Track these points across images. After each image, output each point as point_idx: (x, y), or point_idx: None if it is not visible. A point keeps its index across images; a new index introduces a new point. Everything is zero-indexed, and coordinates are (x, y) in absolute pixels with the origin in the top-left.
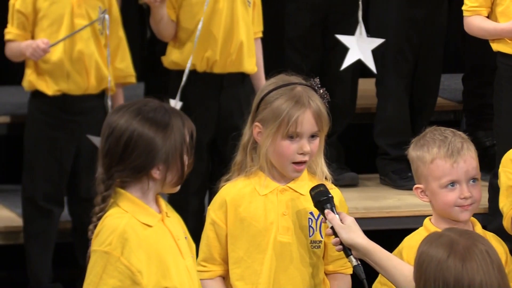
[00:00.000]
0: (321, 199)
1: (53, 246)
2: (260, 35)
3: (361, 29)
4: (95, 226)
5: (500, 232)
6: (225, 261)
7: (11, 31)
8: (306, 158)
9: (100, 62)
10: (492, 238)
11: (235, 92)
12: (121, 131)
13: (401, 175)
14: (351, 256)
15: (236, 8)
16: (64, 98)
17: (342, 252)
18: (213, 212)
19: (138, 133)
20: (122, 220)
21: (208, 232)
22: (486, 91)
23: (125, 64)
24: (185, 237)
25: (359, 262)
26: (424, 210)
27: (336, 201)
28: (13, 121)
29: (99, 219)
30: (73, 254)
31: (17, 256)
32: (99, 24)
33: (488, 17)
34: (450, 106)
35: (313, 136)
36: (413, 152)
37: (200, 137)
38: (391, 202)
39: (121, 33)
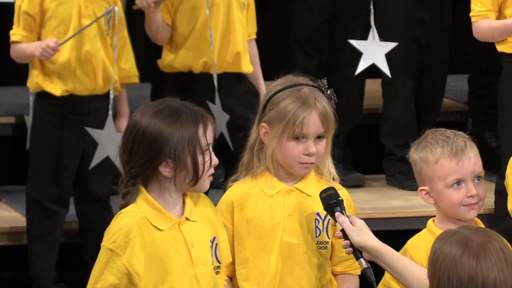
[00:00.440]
0: (331, 202)
1: (58, 247)
2: (254, 36)
3: (373, 33)
4: None
5: (508, 234)
6: (232, 262)
7: (17, 33)
8: (312, 159)
9: (107, 63)
10: None
11: (232, 90)
12: (130, 127)
13: (407, 176)
14: (361, 259)
15: (233, 12)
16: (71, 99)
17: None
18: (220, 213)
19: (143, 129)
20: (132, 219)
21: None
22: (492, 92)
23: (129, 64)
24: (211, 245)
25: (369, 265)
26: (430, 210)
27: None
28: (18, 121)
29: None
30: (77, 255)
31: (22, 257)
32: (105, 24)
33: None
34: (456, 107)
35: (319, 137)
36: (415, 155)
37: None
38: (397, 202)
39: (125, 33)
